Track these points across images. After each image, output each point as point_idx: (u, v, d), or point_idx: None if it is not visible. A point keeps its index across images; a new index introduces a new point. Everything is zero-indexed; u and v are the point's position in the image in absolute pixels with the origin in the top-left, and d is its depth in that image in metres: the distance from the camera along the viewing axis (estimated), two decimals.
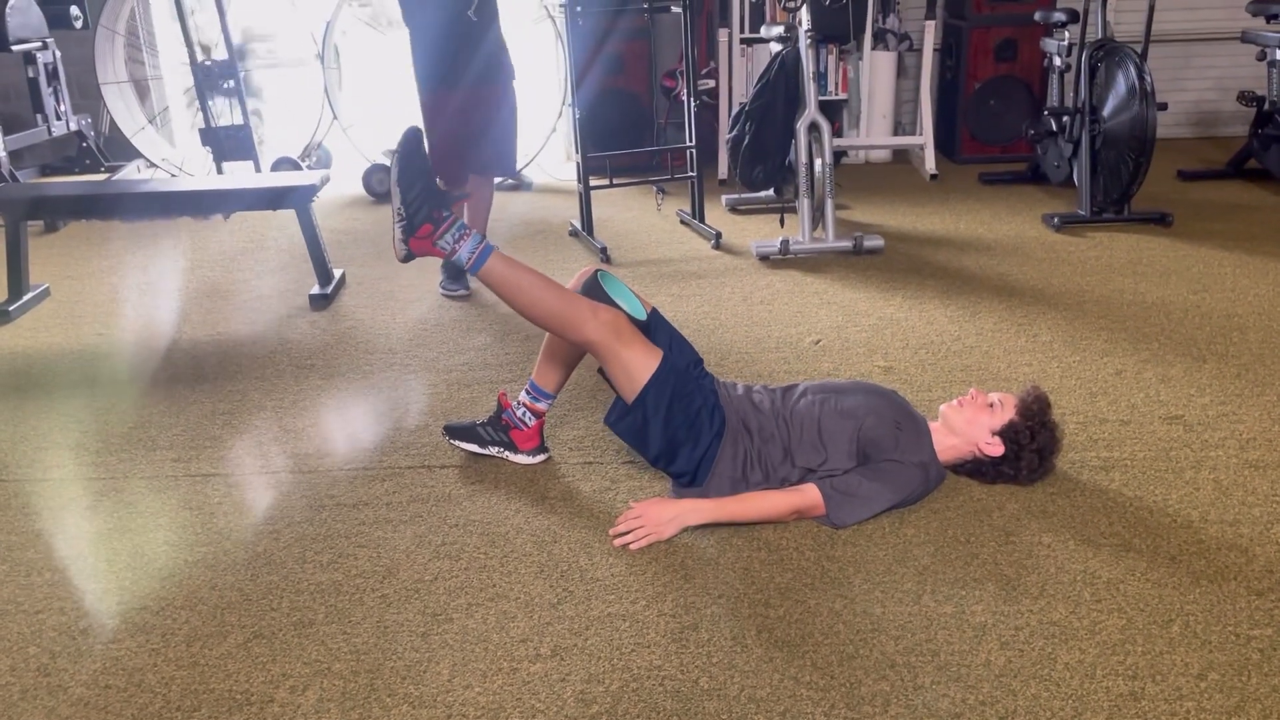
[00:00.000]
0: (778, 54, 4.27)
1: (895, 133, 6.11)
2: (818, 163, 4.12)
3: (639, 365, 2.19)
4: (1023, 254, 4.12)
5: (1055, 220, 4.44)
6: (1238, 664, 1.71)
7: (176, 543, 2.21)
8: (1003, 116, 5.84)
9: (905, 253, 4.18)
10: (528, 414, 2.48)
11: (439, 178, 3.44)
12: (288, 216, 4.07)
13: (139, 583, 2.06)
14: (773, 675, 1.72)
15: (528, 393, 2.48)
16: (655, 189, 5.09)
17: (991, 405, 2.30)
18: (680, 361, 2.33)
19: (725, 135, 4.78)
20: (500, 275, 2.21)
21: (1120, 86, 4.33)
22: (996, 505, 2.24)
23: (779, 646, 1.79)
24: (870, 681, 1.70)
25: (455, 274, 3.91)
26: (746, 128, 4.31)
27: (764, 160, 4.33)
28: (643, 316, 2.32)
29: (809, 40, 4.06)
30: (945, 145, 6.01)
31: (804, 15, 4.06)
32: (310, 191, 3.70)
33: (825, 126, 4.08)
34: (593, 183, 4.41)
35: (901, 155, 6.14)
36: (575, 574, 2.03)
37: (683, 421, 2.20)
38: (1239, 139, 5.46)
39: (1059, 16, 4.83)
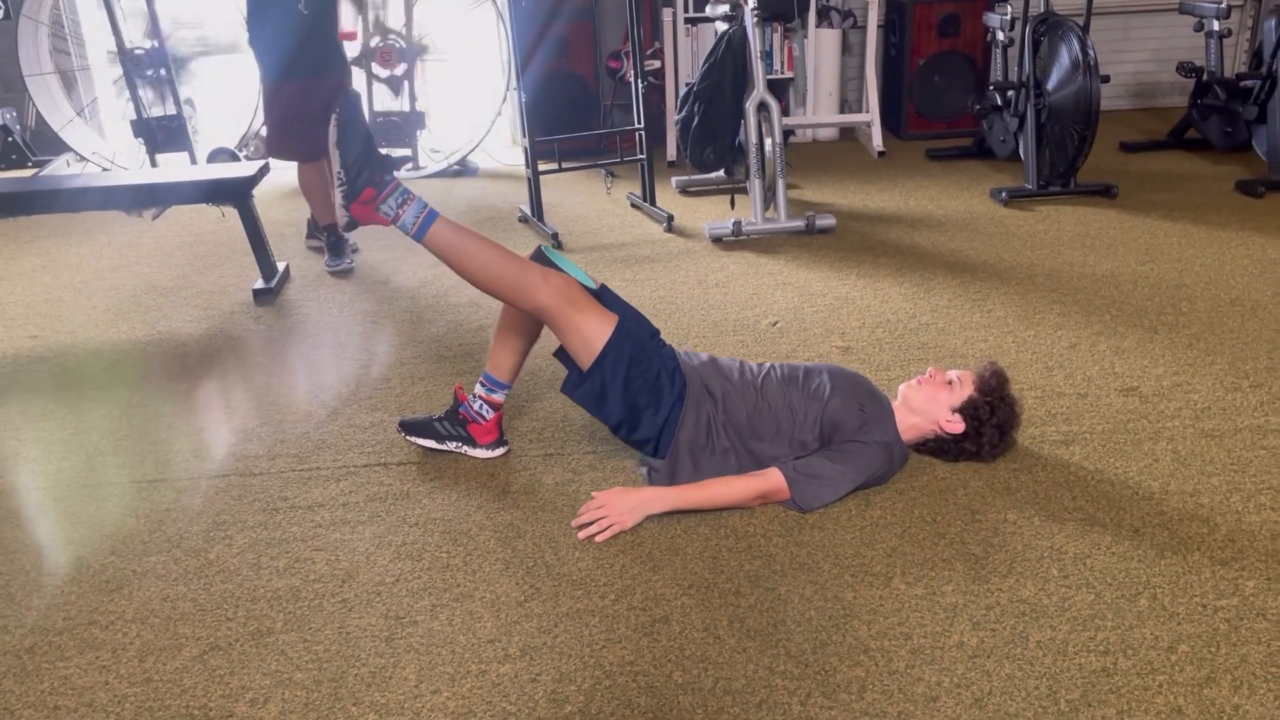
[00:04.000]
0: (724, 33, 4.23)
1: (842, 110, 6.12)
2: (768, 142, 4.09)
3: (594, 330, 2.14)
4: (972, 229, 4.13)
5: (1003, 195, 4.46)
6: (1206, 635, 1.72)
7: (124, 553, 2.12)
8: (947, 92, 5.86)
9: (857, 231, 4.17)
10: (485, 407, 2.42)
11: (278, 157, 3.87)
12: (226, 209, 3.95)
13: (85, 597, 1.98)
14: (746, 666, 1.70)
15: (482, 384, 2.43)
16: (604, 173, 5.04)
17: (950, 383, 2.30)
18: (637, 329, 2.29)
19: (673, 117, 4.74)
20: (446, 241, 2.15)
21: (1064, 60, 4.35)
22: (960, 483, 2.23)
23: (751, 636, 1.77)
24: (845, 668, 1.68)
25: (337, 249, 3.99)
26: (695, 108, 4.26)
27: (713, 141, 4.30)
28: (594, 286, 2.28)
29: (755, 19, 4.03)
30: (891, 122, 6.02)
31: None
32: (249, 184, 3.60)
33: (774, 105, 4.05)
34: (541, 167, 4.34)
35: (849, 133, 6.15)
36: (541, 569, 1.99)
37: (642, 386, 2.16)
38: (1178, 109, 5.54)
39: None
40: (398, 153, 5.67)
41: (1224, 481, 2.19)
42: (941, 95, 5.88)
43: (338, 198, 2.14)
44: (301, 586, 1.97)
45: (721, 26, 4.38)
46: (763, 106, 4.07)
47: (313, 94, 3.78)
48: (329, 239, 4.01)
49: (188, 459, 2.52)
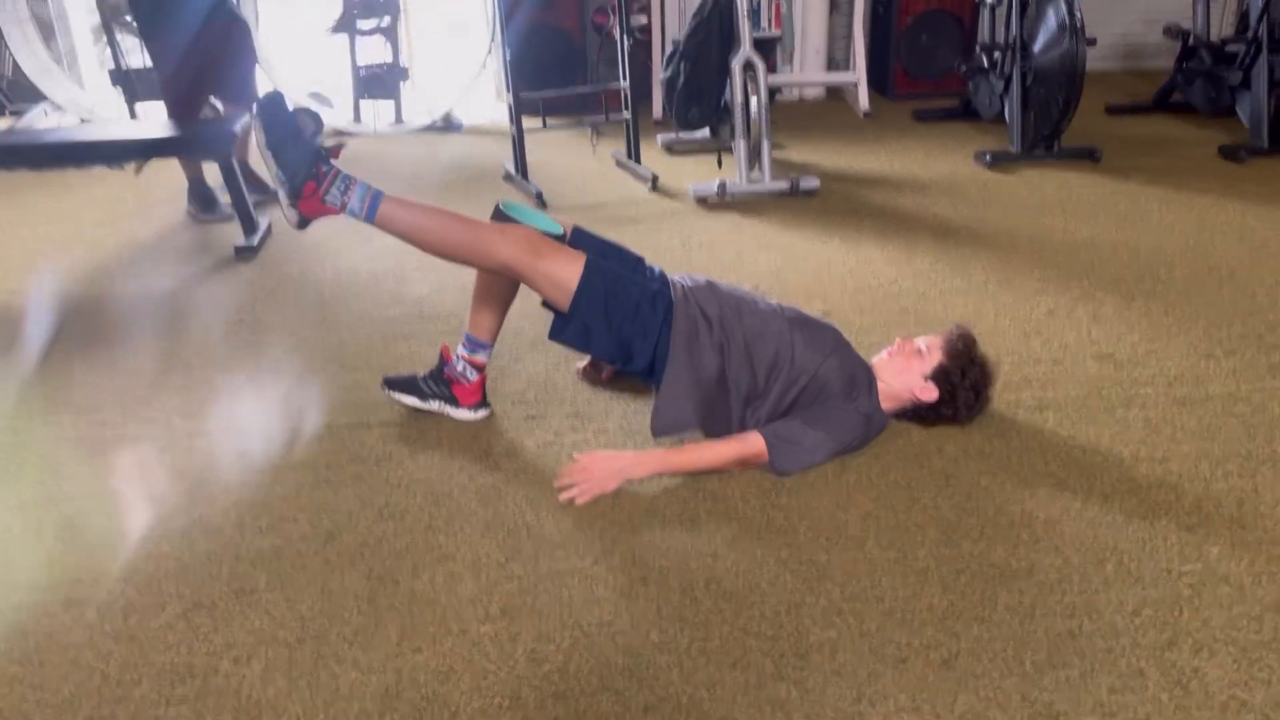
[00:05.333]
0: None
1: (829, 69, 6.09)
2: (753, 102, 4.08)
3: (563, 273, 2.14)
4: (956, 192, 4.15)
5: (987, 158, 4.47)
6: (1170, 600, 1.77)
7: (108, 511, 2.14)
8: (935, 52, 5.84)
9: (841, 193, 4.18)
10: (468, 368, 2.44)
11: (177, 111, 3.92)
12: (208, 162, 3.92)
13: (69, 554, 2.00)
14: (722, 627, 1.73)
15: (464, 346, 2.44)
16: (590, 129, 5.01)
17: (919, 351, 2.33)
18: (611, 262, 2.29)
19: (660, 75, 4.70)
20: (398, 218, 2.15)
21: (1050, 22, 4.34)
22: (936, 448, 2.27)
23: (727, 598, 1.80)
24: (818, 629, 1.72)
25: (207, 202, 4.07)
26: (681, 67, 4.24)
27: (699, 100, 4.28)
28: (558, 231, 2.28)
29: None
30: (878, 81, 6.00)
31: None
32: (230, 139, 3.57)
33: (760, 65, 4.03)
34: (525, 125, 4.31)
35: (836, 92, 6.12)
36: (522, 531, 2.02)
37: (624, 317, 2.17)
38: (1164, 72, 5.54)
39: None
40: (381, 106, 5.64)
41: (1193, 449, 2.23)
42: (929, 55, 5.87)
43: (283, 199, 2.12)
44: (284, 546, 2.00)
45: None
46: (749, 66, 4.05)
47: (197, 47, 3.80)
48: (190, 192, 4.10)
49: (170, 417, 2.53)
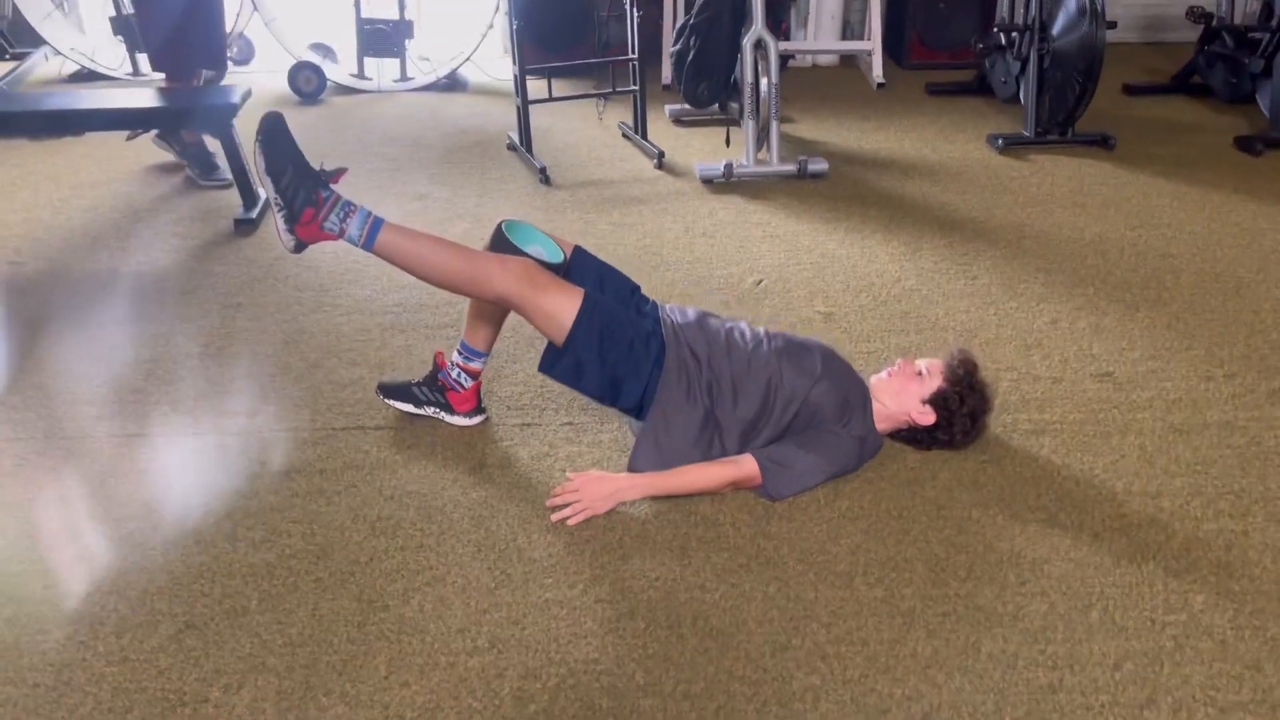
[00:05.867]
0: None
1: (844, 33, 5.96)
2: (763, 82, 4.00)
3: (560, 308, 2.13)
4: (966, 179, 4.09)
5: (999, 142, 4.40)
6: (1152, 653, 1.78)
7: (103, 516, 2.15)
8: (952, 20, 5.73)
9: (849, 176, 4.13)
10: (463, 375, 2.43)
11: (163, 73, 3.91)
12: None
13: (63, 563, 2.01)
14: (707, 668, 1.75)
15: (460, 353, 2.43)
16: (597, 100, 4.93)
17: (919, 374, 2.32)
18: (611, 296, 2.29)
19: (669, 48, 4.61)
20: (396, 246, 2.13)
21: (1070, 4, 4.24)
22: (930, 475, 2.27)
23: (714, 636, 1.82)
24: (801, 674, 1.74)
25: (207, 166, 4.04)
26: (691, 42, 4.15)
27: (708, 76, 4.20)
28: (558, 259, 2.27)
29: None
30: (894, 49, 5.88)
31: None
32: (231, 110, 3.52)
33: (773, 44, 3.95)
34: (531, 96, 4.24)
35: (850, 59, 6.01)
36: (513, 554, 2.03)
37: (617, 356, 2.16)
38: (1186, 46, 5.40)
39: None
40: (386, 62, 5.54)
41: (1186, 484, 2.23)
42: (947, 24, 5.75)
43: (279, 223, 2.10)
44: (276, 563, 2.01)
45: None
46: (760, 44, 3.97)
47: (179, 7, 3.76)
48: (186, 153, 4.07)
49: (166, 413, 2.53)
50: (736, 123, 4.21)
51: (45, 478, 2.28)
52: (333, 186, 2.13)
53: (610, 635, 1.83)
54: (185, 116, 3.58)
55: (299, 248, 2.13)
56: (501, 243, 2.21)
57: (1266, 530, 2.08)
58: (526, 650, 1.79)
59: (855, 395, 2.27)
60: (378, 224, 2.11)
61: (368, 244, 2.11)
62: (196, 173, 4.07)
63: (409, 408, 2.48)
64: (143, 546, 2.06)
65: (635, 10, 4.24)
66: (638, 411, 2.21)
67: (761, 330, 2.32)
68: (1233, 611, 1.87)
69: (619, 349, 2.14)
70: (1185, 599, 1.90)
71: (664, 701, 1.69)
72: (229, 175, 3.83)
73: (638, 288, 2.36)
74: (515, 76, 4.18)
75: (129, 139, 4.18)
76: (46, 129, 3.48)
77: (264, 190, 2.10)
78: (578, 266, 2.30)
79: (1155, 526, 2.10)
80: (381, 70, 5.55)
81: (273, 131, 2.08)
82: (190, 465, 2.32)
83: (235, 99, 3.54)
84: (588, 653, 1.79)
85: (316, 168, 2.13)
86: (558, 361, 2.17)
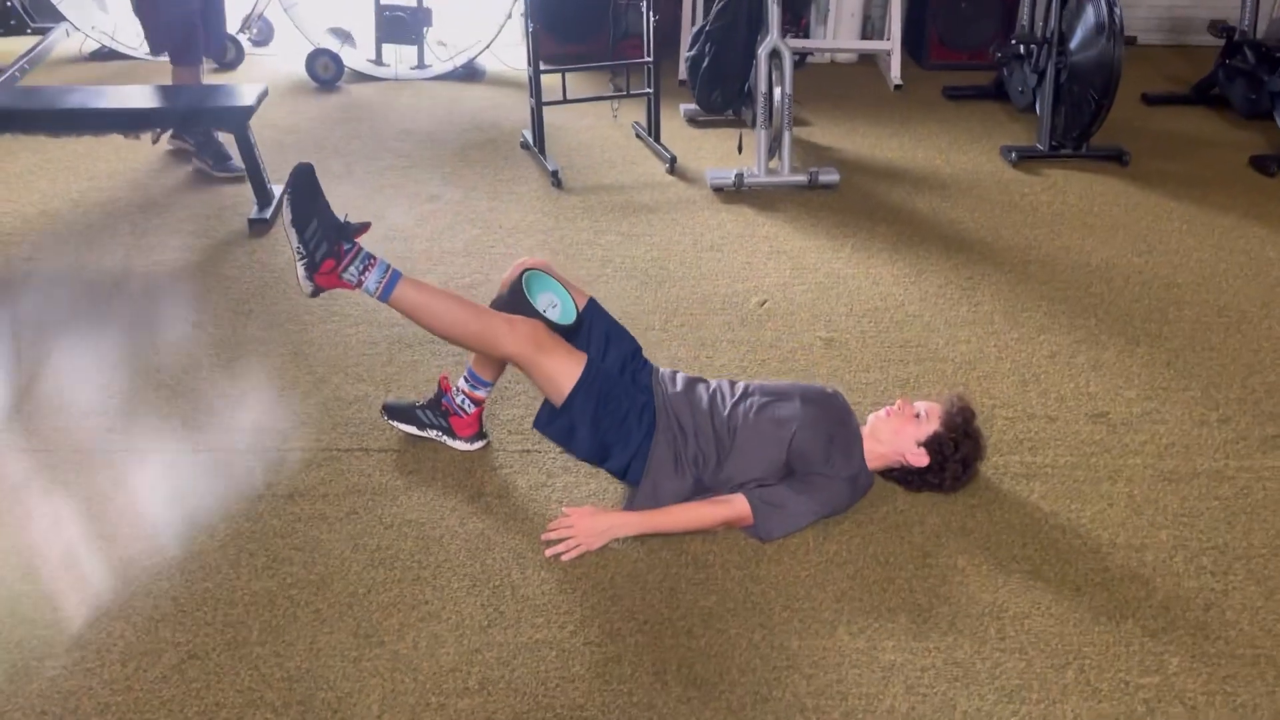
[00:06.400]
0: None
1: (865, 30, 5.93)
2: (777, 92, 4.01)
3: (562, 374, 2.19)
4: (977, 194, 4.09)
5: (1013, 155, 4.39)
6: (1123, 717, 1.83)
7: (111, 536, 2.22)
8: (973, 21, 5.69)
9: (860, 188, 4.13)
10: (467, 401, 2.48)
11: (171, 57, 3.95)
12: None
13: (72, 585, 2.08)
14: (689, 719, 1.81)
15: (466, 380, 2.48)
16: (612, 87, 4.93)
17: (918, 416, 2.35)
18: (614, 360, 2.35)
19: (685, 51, 4.61)
20: (411, 301, 2.19)
21: (1090, 19, 4.21)
22: (918, 519, 2.31)
23: (697, 684, 1.88)
24: None
25: (220, 157, 4.10)
26: (706, 49, 4.16)
27: (723, 84, 4.21)
28: (572, 318, 2.32)
29: None
30: (914, 48, 5.86)
31: None
32: (247, 113, 3.55)
33: (787, 55, 3.95)
34: (546, 96, 4.25)
35: (869, 56, 5.98)
36: (507, 590, 2.09)
37: (610, 424, 2.23)
38: (1210, 50, 5.33)
39: None
40: (404, 50, 5.55)
41: (1171, 536, 2.27)
42: (968, 24, 5.71)
43: (300, 270, 2.14)
44: (277, 591, 2.08)
45: None
46: (775, 54, 3.97)
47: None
48: (201, 145, 4.12)
49: (175, 427, 2.59)
50: (751, 125, 4.20)
51: (53, 494, 2.35)
52: (356, 240, 2.17)
53: (597, 681, 1.88)
54: (202, 117, 3.61)
55: (316, 293, 2.18)
56: (518, 294, 2.26)
57: (1246, 589, 2.12)
58: (515, 694, 1.85)
59: (839, 432, 2.30)
60: (395, 278, 2.16)
61: (384, 296, 2.16)
62: (209, 163, 4.11)
63: (412, 430, 2.53)
64: (148, 569, 2.13)
65: (652, 14, 4.23)
66: (622, 475, 2.27)
67: (741, 387, 2.36)
68: (1206, 676, 1.91)
69: (613, 419, 2.20)
70: (1161, 660, 1.95)
71: None
72: (241, 166, 3.87)
73: (639, 350, 2.41)
74: (530, 78, 4.18)
75: (154, 142, 4.22)
76: (65, 128, 3.51)
77: (288, 239, 2.14)
78: (588, 322, 2.35)
79: (1137, 582, 2.14)
80: (399, 57, 5.56)
81: (302, 183, 2.13)
82: (197, 484, 2.39)
83: (252, 100, 3.57)
84: (574, 698, 1.85)
85: (341, 219, 2.18)
86: (553, 421, 2.23)
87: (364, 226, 2.22)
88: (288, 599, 2.06)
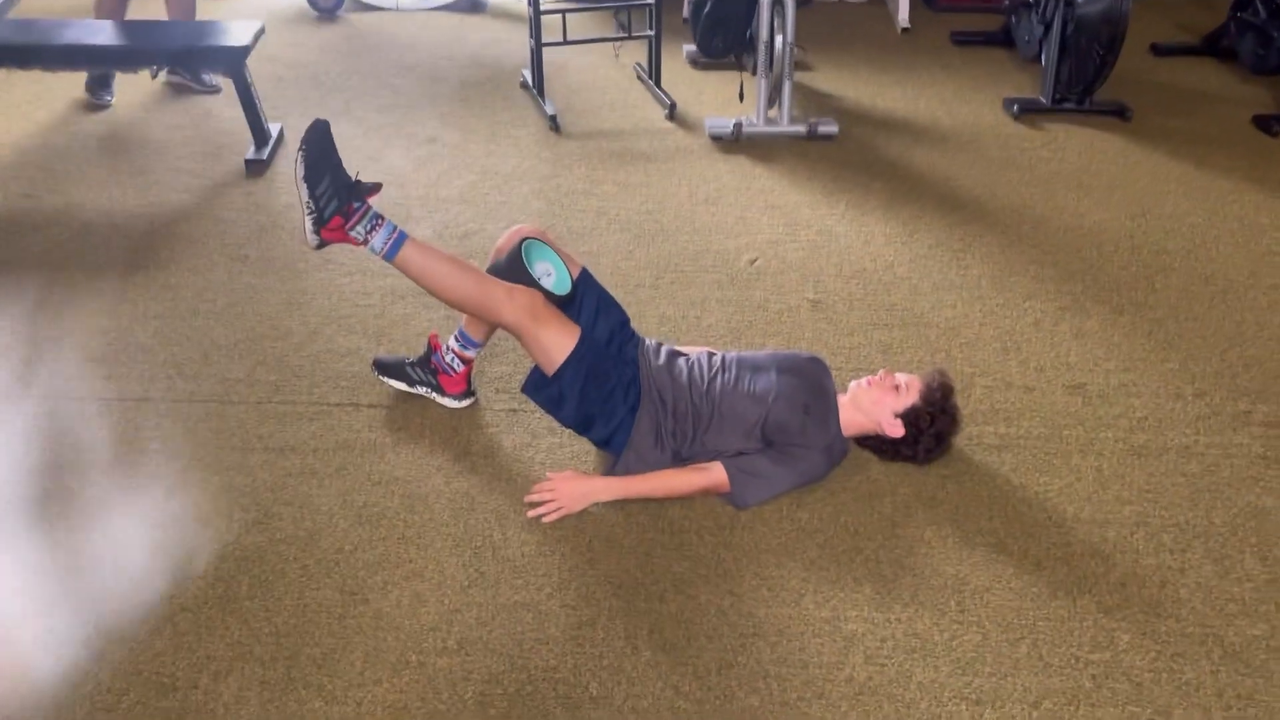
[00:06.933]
0: None
1: None
2: (778, 39, 3.97)
3: (556, 345, 2.24)
4: (975, 149, 4.08)
5: (1015, 108, 4.36)
6: (1070, 692, 1.91)
7: (110, 486, 2.30)
8: None
9: (859, 139, 4.12)
10: (456, 360, 2.54)
11: None
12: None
13: (72, 535, 2.17)
14: (656, 683, 1.90)
15: (457, 339, 2.53)
16: (615, 24, 4.88)
17: (898, 387, 2.40)
18: (603, 331, 2.39)
19: None
20: (415, 263, 2.23)
21: None
22: (890, 488, 2.38)
23: (666, 650, 1.96)
24: (743, 694, 1.89)
25: (102, 81, 4.14)
26: None
27: (724, 29, 4.17)
28: (567, 288, 2.36)
29: None
30: None
31: None
32: (243, 53, 3.54)
33: (790, 3, 3.90)
34: (546, 37, 4.22)
35: None
36: (488, 551, 2.17)
37: (597, 397, 2.29)
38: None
39: None
40: None
41: (1134, 513, 2.33)
42: None
43: (307, 224, 2.18)
44: (267, 546, 2.16)
45: None
46: (778, 2, 3.92)
47: None
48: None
49: (170, 376, 2.66)
50: (753, 70, 4.17)
51: (43, 443, 2.42)
52: (366, 199, 2.21)
53: (570, 644, 1.97)
54: (197, 57, 3.60)
55: (321, 245, 2.24)
56: (516, 259, 2.30)
57: (1202, 569, 2.19)
58: (492, 654, 1.94)
59: (815, 402, 2.36)
60: (401, 239, 2.22)
61: (389, 256, 2.22)
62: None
63: (402, 386, 2.59)
64: (145, 522, 2.21)
65: None
66: (604, 445, 2.33)
67: (719, 360, 2.40)
68: (1154, 653, 2.00)
69: (600, 393, 2.26)
70: (1112, 637, 2.03)
71: (613, 714, 1.84)
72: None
73: (628, 321, 2.46)
74: (530, 17, 4.14)
75: (153, 78, 4.22)
76: (61, 63, 3.51)
77: (298, 193, 2.18)
78: (579, 292, 2.39)
79: (1097, 558, 2.21)
80: None
81: (317, 139, 2.17)
82: (193, 435, 2.46)
83: (248, 40, 3.55)
84: (548, 660, 1.94)
85: (353, 178, 2.21)
86: (542, 389, 2.29)
87: (375, 187, 2.26)
88: (277, 554, 2.14)
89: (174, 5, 4.12)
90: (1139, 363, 2.84)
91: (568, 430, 2.50)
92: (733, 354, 2.45)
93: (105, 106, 4.10)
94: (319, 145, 2.18)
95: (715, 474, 2.28)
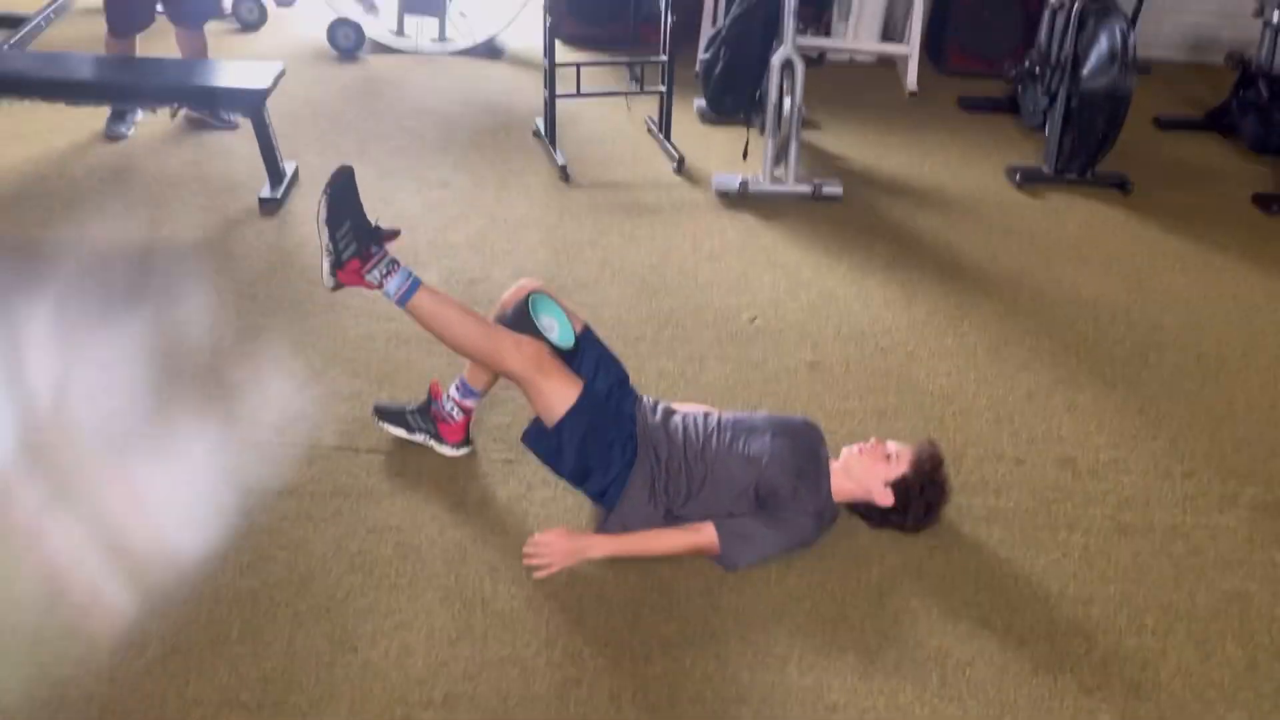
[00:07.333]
0: None
1: (886, 29, 5.93)
2: (787, 101, 4.05)
3: (558, 397, 2.28)
4: (977, 215, 4.14)
5: (1017, 176, 4.43)
6: None
7: (113, 526, 2.33)
8: (994, 30, 5.68)
9: (863, 202, 4.18)
10: (456, 409, 2.58)
11: (123, 28, 4.02)
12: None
13: (64, 574, 2.19)
14: None
15: (458, 389, 2.57)
16: (628, 75, 4.97)
17: (889, 456, 2.44)
18: (603, 386, 2.43)
19: (700, 54, 4.64)
20: (427, 309, 2.28)
21: (1103, 45, 4.23)
22: (878, 556, 2.40)
23: (650, 712, 1.99)
24: None
25: (121, 114, 4.21)
26: (721, 53, 4.20)
27: (735, 89, 4.26)
28: (570, 342, 2.40)
29: None
30: (934, 52, 5.86)
31: None
32: (263, 95, 3.61)
33: (799, 66, 3.98)
34: (560, 90, 4.29)
35: (888, 58, 5.97)
36: (478, 603, 2.19)
37: (595, 451, 2.32)
38: (1230, 72, 5.31)
39: None
40: (427, 19, 5.58)
41: (1119, 591, 2.36)
42: (989, 33, 5.70)
43: (325, 265, 2.24)
44: (260, 590, 2.19)
45: None
46: (788, 65, 4.00)
47: None
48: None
49: (176, 414, 2.70)
50: (760, 127, 4.23)
51: (46, 479, 2.46)
52: (385, 245, 2.27)
53: (556, 702, 1.99)
54: (218, 98, 3.67)
55: (337, 288, 2.30)
56: (522, 313, 2.36)
57: (1184, 651, 2.21)
58: (477, 709, 1.97)
59: (808, 467, 2.39)
60: (415, 285, 2.28)
61: (402, 301, 2.28)
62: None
63: (401, 433, 2.63)
64: (140, 561, 2.24)
65: (670, 14, 4.25)
66: (599, 498, 2.36)
67: (714, 420, 2.44)
68: None
69: (599, 446, 2.29)
70: (1092, 717, 2.05)
71: None
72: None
73: (627, 379, 2.50)
74: (545, 70, 4.22)
75: (172, 117, 4.31)
76: (85, 98, 3.59)
77: (319, 235, 2.23)
78: (581, 347, 2.43)
79: (1080, 636, 2.23)
80: (421, 29, 5.59)
81: (341, 184, 2.24)
82: (195, 476, 2.49)
83: (268, 82, 3.63)
84: (533, 717, 1.96)
85: (373, 224, 2.27)
86: (542, 439, 2.33)
87: (394, 233, 2.32)
88: (269, 598, 2.17)
89: (186, 47, 4.20)
90: (1129, 439, 2.88)
91: (562, 483, 2.53)
92: (729, 415, 2.49)
93: (123, 139, 4.16)
94: (343, 190, 2.24)
95: (706, 535, 2.31)
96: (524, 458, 2.61)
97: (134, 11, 4.04)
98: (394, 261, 2.29)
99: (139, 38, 4.12)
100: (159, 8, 4.24)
